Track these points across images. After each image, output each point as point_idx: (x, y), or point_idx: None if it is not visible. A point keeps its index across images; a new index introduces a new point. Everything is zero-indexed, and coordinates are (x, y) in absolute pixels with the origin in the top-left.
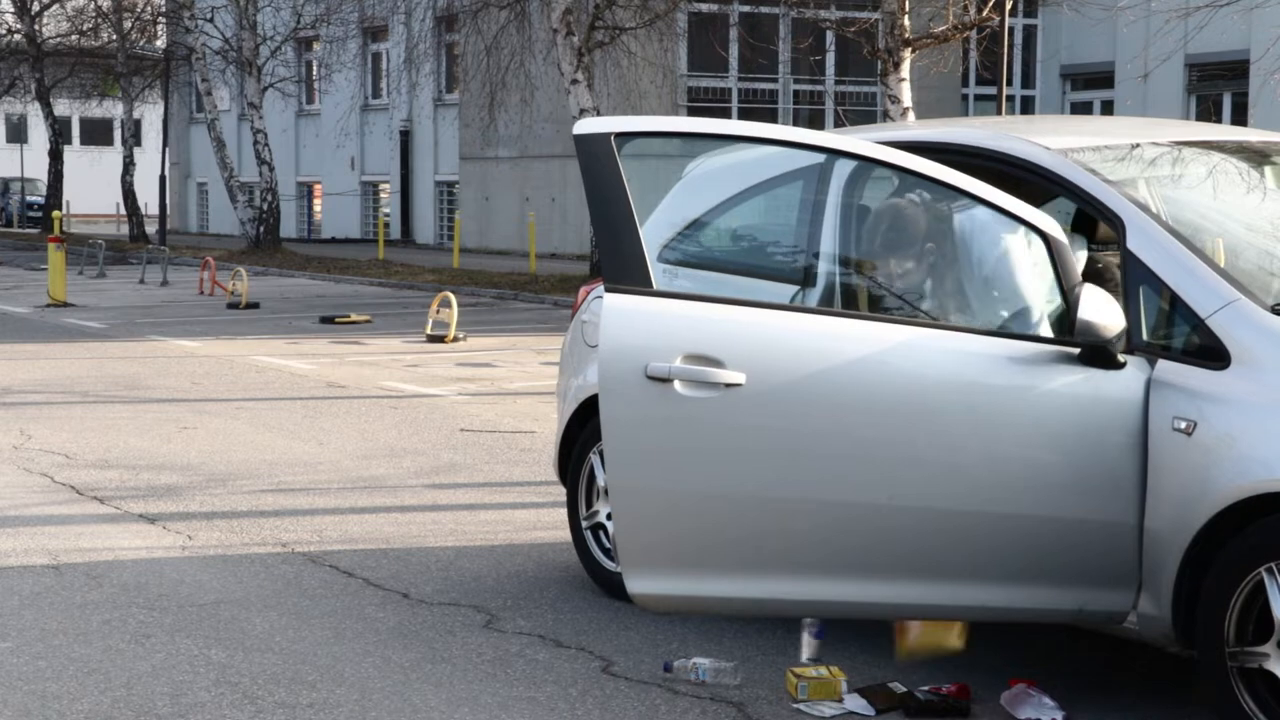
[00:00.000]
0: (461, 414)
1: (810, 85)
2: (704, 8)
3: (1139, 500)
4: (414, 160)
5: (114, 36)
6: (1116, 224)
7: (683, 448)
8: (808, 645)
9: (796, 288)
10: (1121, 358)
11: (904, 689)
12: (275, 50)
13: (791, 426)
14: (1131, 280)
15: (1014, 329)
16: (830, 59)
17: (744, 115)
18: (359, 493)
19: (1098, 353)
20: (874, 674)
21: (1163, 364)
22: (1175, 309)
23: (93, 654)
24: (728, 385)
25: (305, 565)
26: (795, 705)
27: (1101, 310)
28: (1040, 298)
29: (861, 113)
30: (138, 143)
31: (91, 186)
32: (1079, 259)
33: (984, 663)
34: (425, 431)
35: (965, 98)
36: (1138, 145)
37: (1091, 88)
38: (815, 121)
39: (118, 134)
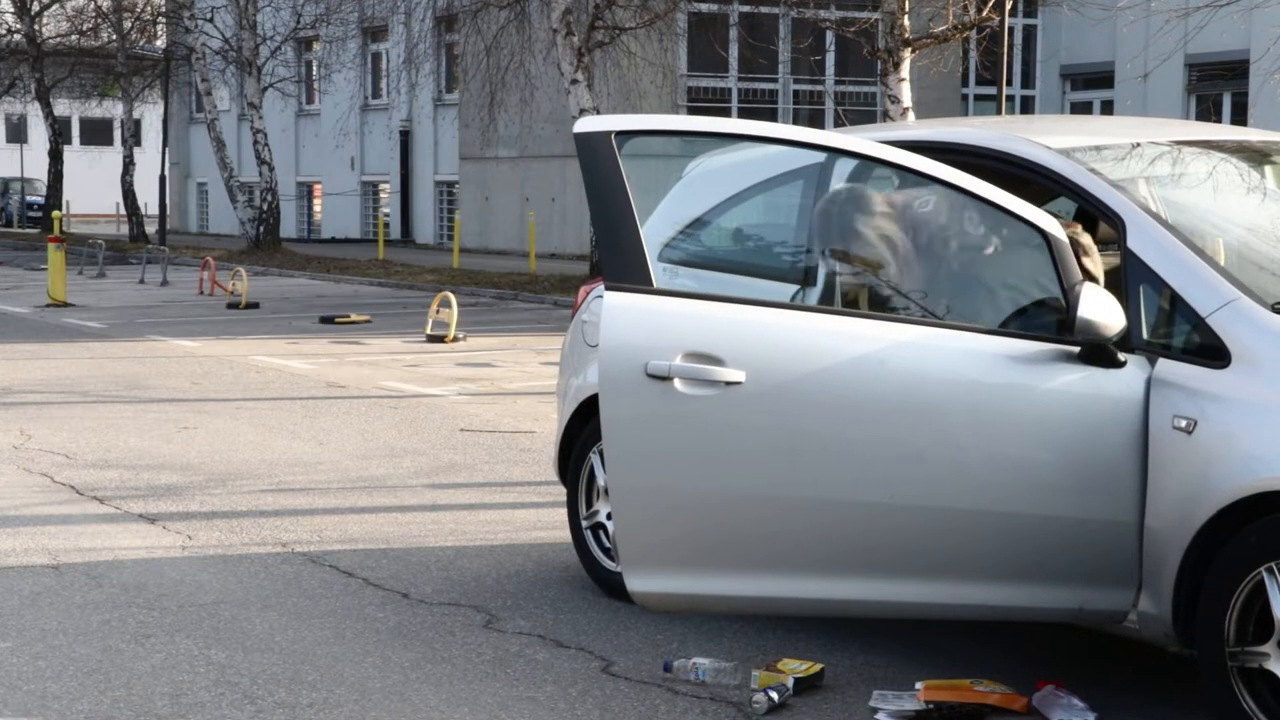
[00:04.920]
0: (461, 414)
1: (810, 85)
2: (704, 8)
3: (1139, 499)
4: (414, 160)
5: (114, 36)
6: (1117, 223)
7: (683, 446)
8: None
9: (797, 286)
10: (1122, 356)
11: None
12: (275, 50)
13: (791, 425)
14: (1132, 279)
15: (1014, 328)
16: (830, 59)
17: (744, 115)
18: (359, 493)
19: (1098, 351)
20: (872, 673)
21: (1163, 363)
22: (1176, 308)
23: (93, 654)
24: (728, 384)
25: (305, 565)
26: (754, 696)
27: (1101, 309)
28: (1040, 296)
29: (861, 113)
30: (138, 143)
31: (91, 186)
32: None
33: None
34: (425, 431)
35: (965, 98)
36: (1138, 145)
37: (1091, 88)
38: (815, 121)
39: (118, 134)
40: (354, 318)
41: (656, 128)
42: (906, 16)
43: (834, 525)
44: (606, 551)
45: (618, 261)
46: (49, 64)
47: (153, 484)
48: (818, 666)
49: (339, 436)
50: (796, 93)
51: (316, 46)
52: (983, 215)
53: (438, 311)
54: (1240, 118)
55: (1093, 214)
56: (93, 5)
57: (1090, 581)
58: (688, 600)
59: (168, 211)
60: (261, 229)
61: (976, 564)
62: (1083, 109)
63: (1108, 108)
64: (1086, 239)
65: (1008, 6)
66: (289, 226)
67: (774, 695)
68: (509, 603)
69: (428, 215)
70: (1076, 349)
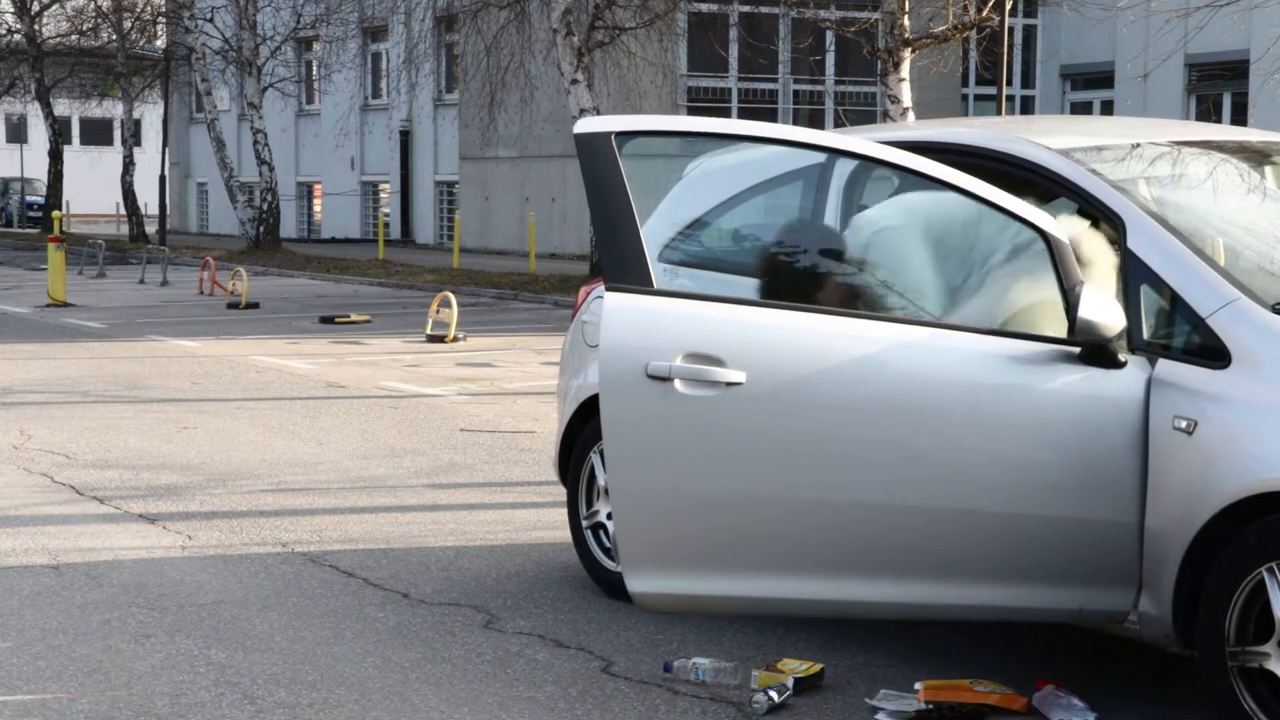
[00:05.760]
0: (461, 414)
1: (810, 85)
2: (704, 8)
3: (1139, 500)
4: (414, 160)
5: (114, 36)
6: (1118, 223)
7: (683, 447)
8: None
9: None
10: (1122, 357)
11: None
12: (275, 50)
13: (792, 426)
14: (1132, 280)
15: (1014, 328)
16: (830, 59)
17: (744, 115)
18: (359, 493)
19: (1098, 352)
20: (872, 673)
21: (1163, 363)
22: (1176, 308)
23: (93, 654)
24: (728, 384)
25: (305, 565)
26: (754, 696)
27: (1102, 309)
28: (1040, 297)
29: (861, 113)
30: (138, 143)
31: (91, 186)
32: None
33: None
34: (425, 431)
35: (965, 98)
36: (1138, 145)
37: (1091, 88)
38: (815, 121)
39: (118, 134)
40: (354, 318)
41: (656, 128)
42: (906, 16)
43: (834, 526)
44: (607, 551)
45: (618, 262)
46: (49, 64)
47: (153, 484)
48: (818, 666)
49: (339, 436)
50: (796, 93)
51: (316, 46)
52: (981, 215)
53: (438, 311)
54: (1240, 118)
55: (1093, 214)
56: (93, 5)
57: (1091, 582)
58: (688, 601)
59: (168, 211)
60: (261, 229)
61: (977, 564)
62: (1083, 109)
63: (1108, 108)
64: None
65: (1008, 6)
66: (289, 226)
67: (774, 695)
68: (509, 603)
69: (428, 215)
70: (1077, 349)
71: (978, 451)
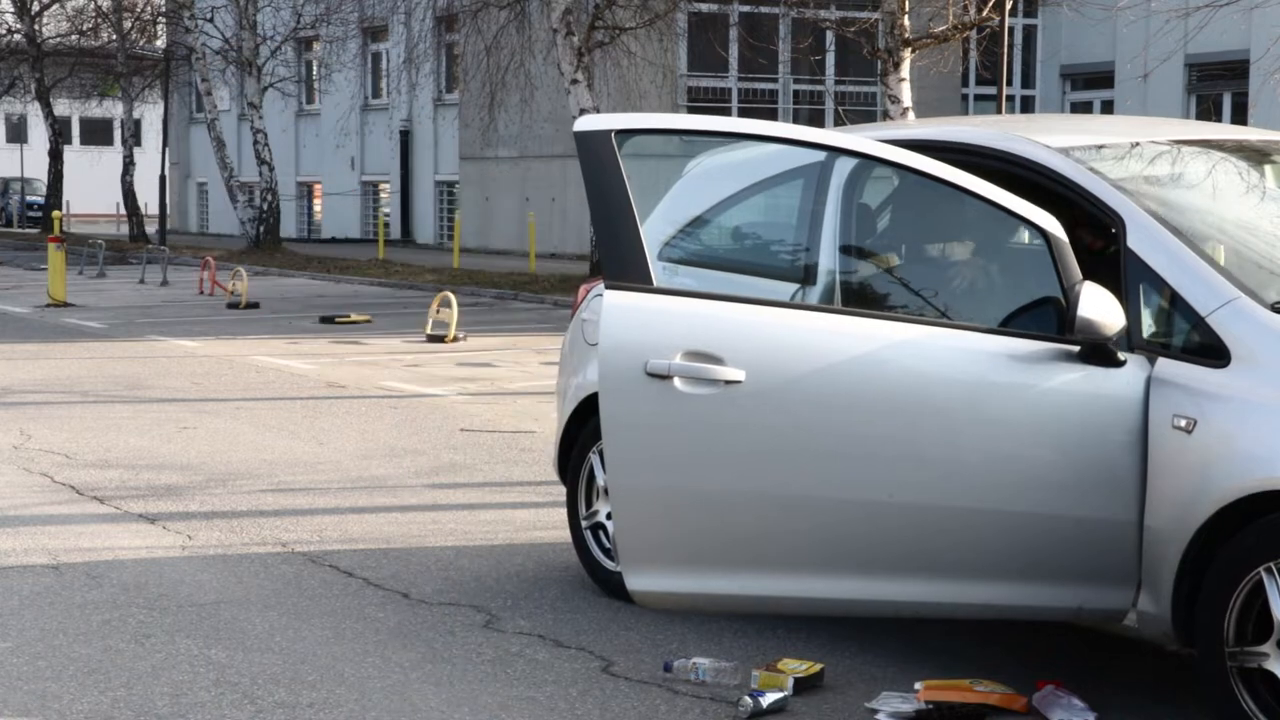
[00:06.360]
0: (461, 414)
1: (810, 85)
2: (704, 8)
3: (1139, 498)
4: (414, 160)
5: (114, 36)
6: (1117, 222)
7: (682, 445)
8: None
9: (797, 285)
10: (1121, 355)
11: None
12: (275, 50)
13: (791, 423)
14: (1132, 278)
15: (1014, 326)
16: (830, 59)
17: (744, 115)
18: (359, 493)
19: (1097, 350)
20: (872, 673)
21: (1163, 362)
22: (1175, 307)
23: (93, 654)
24: (727, 382)
25: (305, 565)
26: (742, 698)
27: (1101, 308)
28: (1040, 295)
29: (861, 113)
30: (138, 143)
31: (91, 186)
32: None
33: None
34: (425, 431)
35: (965, 98)
36: (1138, 144)
37: (1091, 88)
38: (815, 121)
39: (118, 134)
40: (354, 317)
41: (657, 126)
42: (906, 16)
43: (833, 524)
44: (606, 551)
45: (618, 259)
46: (49, 64)
47: (153, 484)
48: (818, 666)
49: (339, 436)
50: (796, 93)
51: (316, 46)
52: (981, 213)
53: (438, 311)
54: (1240, 118)
55: (1092, 213)
56: (93, 5)
57: (1090, 580)
58: (687, 599)
59: (168, 211)
60: (261, 229)
61: (976, 563)
62: (1083, 109)
63: (1108, 108)
64: None
65: (1008, 6)
66: (289, 226)
67: (763, 701)
68: (509, 603)
69: (428, 215)
70: (1076, 348)
71: (977, 450)
